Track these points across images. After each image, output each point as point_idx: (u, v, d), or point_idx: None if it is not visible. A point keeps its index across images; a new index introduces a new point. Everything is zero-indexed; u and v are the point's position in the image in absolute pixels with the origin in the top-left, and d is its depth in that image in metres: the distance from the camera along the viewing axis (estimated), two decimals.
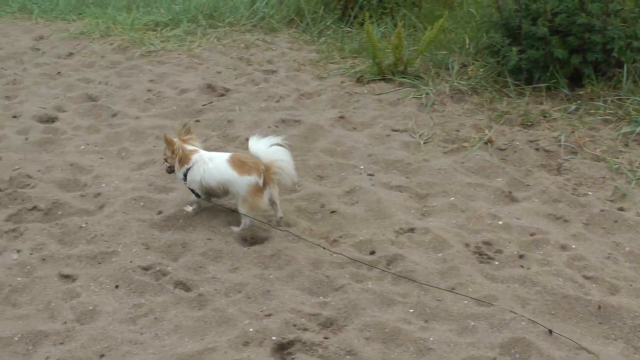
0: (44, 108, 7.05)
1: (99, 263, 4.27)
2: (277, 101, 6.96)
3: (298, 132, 6.05)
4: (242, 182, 4.51)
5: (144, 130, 6.38)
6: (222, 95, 7.30)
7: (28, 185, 5.26)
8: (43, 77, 8.26)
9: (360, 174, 5.34)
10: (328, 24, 9.39)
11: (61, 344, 3.49)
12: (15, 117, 6.86)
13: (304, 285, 3.98)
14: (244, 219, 4.58)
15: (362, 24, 8.59)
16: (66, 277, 4.13)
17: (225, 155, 4.63)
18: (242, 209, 4.56)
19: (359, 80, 7.43)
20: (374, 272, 4.04)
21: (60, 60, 8.97)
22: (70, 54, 9.25)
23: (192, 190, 4.76)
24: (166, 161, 4.84)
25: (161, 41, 9.47)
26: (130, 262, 4.21)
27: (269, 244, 4.41)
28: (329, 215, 4.74)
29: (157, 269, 4.17)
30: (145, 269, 4.19)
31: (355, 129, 6.21)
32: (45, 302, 3.83)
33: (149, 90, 7.54)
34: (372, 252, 4.33)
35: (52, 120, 6.85)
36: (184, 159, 4.71)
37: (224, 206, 4.73)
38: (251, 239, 4.52)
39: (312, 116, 6.40)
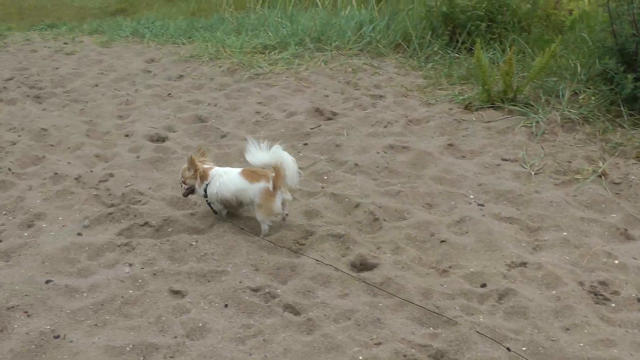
0: (154, 128, 7.25)
1: (209, 281, 4.30)
2: (385, 126, 6.96)
3: (406, 158, 6.06)
4: (254, 188, 4.77)
5: None
6: (330, 119, 7.35)
7: (139, 201, 5.37)
8: (154, 98, 8.49)
9: (470, 203, 5.28)
10: (435, 49, 9.34)
11: (171, 357, 3.52)
12: (127, 136, 7.09)
13: (414, 315, 3.91)
14: (263, 225, 4.82)
15: (470, 50, 8.48)
16: (176, 293, 4.18)
17: (238, 169, 4.93)
18: (259, 215, 4.81)
19: (468, 107, 7.37)
20: (485, 305, 3.98)
21: (170, 82, 9.25)
22: (181, 76, 9.50)
23: (210, 207, 5.05)
24: (184, 183, 5.14)
25: (269, 64, 9.60)
26: (240, 282, 4.23)
27: (378, 271, 4.35)
28: (439, 244, 4.69)
29: (267, 290, 4.18)
30: (255, 290, 4.19)
31: (464, 157, 6.18)
32: (156, 316, 3.88)
33: (257, 113, 7.65)
34: (483, 285, 4.25)
35: (162, 139, 6.98)
36: (204, 176, 5.02)
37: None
38: (360, 266, 4.47)
39: (421, 143, 6.38)
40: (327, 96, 8.05)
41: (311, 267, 4.44)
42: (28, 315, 3.85)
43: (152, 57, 10.64)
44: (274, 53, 10.00)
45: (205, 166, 5.08)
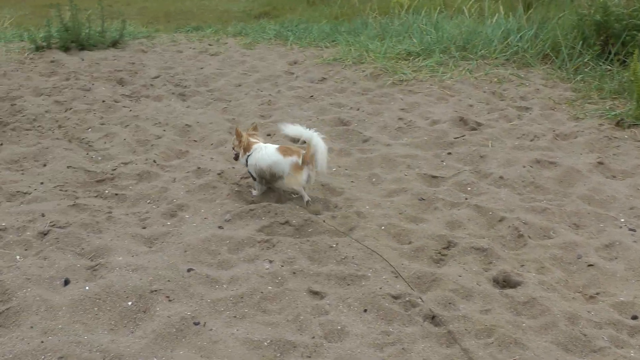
0: None
1: (348, 285, 4.28)
2: (532, 140, 6.80)
3: (553, 174, 5.92)
4: (286, 162, 5.27)
5: (395, 158, 6.42)
6: (474, 129, 7.23)
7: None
8: (296, 99, 8.61)
9: (621, 227, 5.07)
10: (586, 60, 9.03)
11: (308, 357, 3.53)
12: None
13: (559, 340, 3.76)
14: (301, 194, 5.42)
15: (623, 62, 8.08)
16: (315, 294, 4.19)
17: (276, 145, 5.44)
18: (286, 184, 5.31)
19: (619, 124, 7.11)
20: (636, 339, 3.77)
21: (313, 84, 9.35)
22: (323, 79, 9.60)
23: (250, 174, 5.57)
24: (234, 149, 5.72)
25: (413, 71, 9.59)
26: (380, 288, 4.18)
27: (522, 289, 4.22)
28: (586, 268, 4.53)
29: (407, 299, 4.11)
30: (395, 297, 4.13)
31: (615, 177, 5.98)
32: (294, 314, 3.89)
33: (400, 119, 7.62)
34: (635, 317, 4.06)
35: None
36: (247, 147, 5.54)
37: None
38: (503, 282, 4.36)
39: (569, 159, 6.22)
40: (471, 106, 7.95)
41: (453, 278, 4.36)
42: (170, 300, 3.98)
43: (294, 59, 10.83)
44: (418, 60, 9.94)
45: (252, 140, 5.53)
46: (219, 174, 5.96)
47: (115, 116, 7.99)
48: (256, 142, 5.53)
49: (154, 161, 6.42)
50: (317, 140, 5.10)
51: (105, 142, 6.97)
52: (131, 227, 5.01)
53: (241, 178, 5.83)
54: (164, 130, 7.33)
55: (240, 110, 7.99)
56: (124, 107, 8.43)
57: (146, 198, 5.57)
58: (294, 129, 5.16)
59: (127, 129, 7.43)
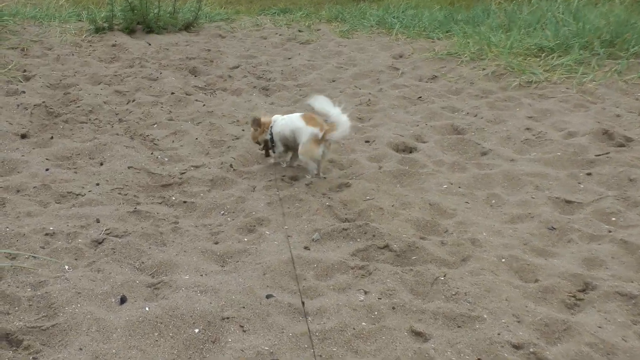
0: (401, 135, 7.39)
1: (459, 327, 4.18)
2: None
3: None
4: (307, 130, 6.05)
5: (520, 177, 6.33)
6: (622, 145, 7.05)
7: (380, 220, 5.48)
8: (401, 100, 8.67)
9: None
10: None
11: None
12: (368, 142, 7.32)
13: None
14: (308, 166, 6.21)
15: None
16: (418, 335, 4.10)
17: (299, 113, 6.25)
18: (300, 153, 6.10)
19: None
20: None
21: (421, 83, 9.37)
22: (434, 77, 9.61)
23: (273, 146, 6.47)
24: (258, 143, 6.68)
25: (545, 70, 9.48)
26: (498, 334, 4.06)
27: None
28: None
29: (531, 350, 3.95)
30: (516, 347, 3.99)
31: None
32: (392, 357, 3.82)
33: (527, 129, 7.55)
34: None
35: (410, 150, 7.18)
36: (267, 124, 6.46)
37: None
38: None
39: None
40: (618, 116, 7.77)
41: (591, 329, 4.17)
42: (244, 330, 4.01)
43: (400, 52, 10.86)
44: (552, 57, 9.82)
45: (265, 119, 6.47)
46: (307, 184, 6.06)
47: (186, 111, 8.19)
48: (270, 116, 6.57)
49: (231, 165, 6.63)
50: (343, 119, 5.90)
51: (173, 141, 7.15)
52: (201, 241, 5.12)
53: (334, 191, 6.01)
54: (243, 130, 7.49)
55: None
56: (197, 100, 8.65)
57: (219, 208, 5.70)
58: (321, 103, 5.89)
59: (199, 127, 7.64)
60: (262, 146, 6.67)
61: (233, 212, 5.61)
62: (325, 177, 6.21)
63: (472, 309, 4.36)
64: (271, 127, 6.45)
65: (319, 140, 5.99)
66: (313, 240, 5.24)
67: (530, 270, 4.88)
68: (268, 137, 6.48)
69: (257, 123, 6.52)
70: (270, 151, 6.63)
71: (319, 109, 5.88)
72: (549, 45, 10.04)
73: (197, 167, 6.54)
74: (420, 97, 8.64)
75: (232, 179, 6.26)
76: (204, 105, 8.51)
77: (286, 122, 6.35)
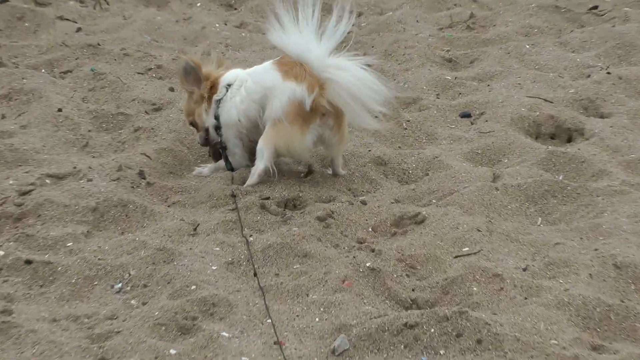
0: (548, 101, 6.77)
1: None
2: None
3: None
4: (283, 90, 5.28)
5: None
6: None
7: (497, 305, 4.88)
8: (548, 14, 8.49)
9: None
10: None
11: None
12: (466, 115, 6.78)
13: None
14: (258, 164, 5.41)
15: None
16: None
17: (271, 61, 5.68)
18: (262, 142, 5.37)
19: None
20: None
21: None
22: None
23: (223, 146, 5.69)
24: (193, 125, 5.74)
25: None
26: None
27: None
28: None
29: None
30: None
31: None
32: None
33: None
34: None
35: (567, 135, 6.66)
36: (214, 81, 5.59)
37: None
38: None
39: None
40: None
41: None
42: None
43: None
44: None
45: (211, 70, 5.65)
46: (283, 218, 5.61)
47: (35, 43, 7.83)
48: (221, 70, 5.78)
49: (141, 174, 5.83)
50: (349, 68, 5.19)
51: (3, 116, 6.55)
52: None
53: (371, 229, 5.49)
54: (172, 90, 7.09)
55: None
56: (61, 18, 8.35)
57: (110, 278, 4.91)
58: (293, 39, 5.16)
59: (67, 81, 7.10)
60: (202, 134, 5.83)
61: (144, 289, 4.80)
62: (342, 173, 5.73)
63: None
64: (218, 99, 5.58)
65: (306, 115, 5.26)
66: (334, 353, 4.39)
67: None
68: (212, 121, 5.65)
69: (191, 76, 5.65)
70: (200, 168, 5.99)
71: (292, 50, 5.25)
72: None
73: (59, 177, 5.74)
74: (596, 6, 8.30)
75: (144, 207, 5.50)
76: (78, 29, 8.06)
77: (253, 80, 5.50)
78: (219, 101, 5.58)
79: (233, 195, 5.58)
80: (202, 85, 5.61)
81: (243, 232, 5.34)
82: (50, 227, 5.34)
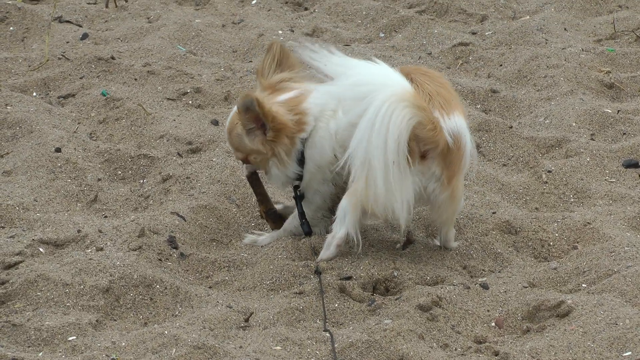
0: None
1: None
2: None
3: None
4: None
5: None
6: None
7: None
8: None
9: None
10: None
11: None
12: (634, 164, 7.04)
13: None
14: (335, 229, 5.65)
15: None
16: None
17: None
18: (347, 197, 5.66)
19: None
20: None
21: None
22: None
23: (299, 192, 6.06)
24: (251, 177, 6.09)
25: None
26: None
27: None
28: None
29: None
30: None
31: None
32: None
33: None
34: None
35: None
36: (300, 125, 5.91)
37: None
38: None
39: None
40: None
41: None
42: None
43: None
44: None
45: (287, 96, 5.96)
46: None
47: (23, 55, 8.15)
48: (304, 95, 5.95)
49: (171, 242, 6.03)
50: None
51: None
52: None
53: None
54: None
55: None
56: (63, 20, 8.68)
57: None
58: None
59: (67, 109, 7.40)
60: (255, 185, 6.10)
61: None
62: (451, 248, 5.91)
63: None
64: (304, 138, 5.82)
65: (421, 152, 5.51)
66: None
67: None
68: (293, 171, 5.85)
69: (251, 113, 5.78)
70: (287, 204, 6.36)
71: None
72: None
73: (57, 244, 5.91)
74: None
75: (176, 287, 5.63)
76: (84, 35, 8.39)
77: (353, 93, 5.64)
78: (305, 139, 5.80)
79: (317, 272, 5.66)
80: (268, 131, 5.74)
81: (326, 325, 5.42)
82: (45, 315, 5.42)
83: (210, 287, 5.83)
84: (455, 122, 5.43)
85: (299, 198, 5.89)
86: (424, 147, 5.35)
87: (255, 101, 5.65)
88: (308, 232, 5.85)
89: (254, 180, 6.03)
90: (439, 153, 5.37)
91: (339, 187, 5.84)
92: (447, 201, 5.52)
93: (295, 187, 5.94)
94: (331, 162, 5.69)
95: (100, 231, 5.98)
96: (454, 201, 5.57)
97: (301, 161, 5.76)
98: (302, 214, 5.88)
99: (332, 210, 5.87)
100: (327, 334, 5.31)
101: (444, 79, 5.86)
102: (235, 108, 5.96)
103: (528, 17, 8.41)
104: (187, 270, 5.89)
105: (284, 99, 5.80)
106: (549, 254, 6.11)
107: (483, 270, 5.88)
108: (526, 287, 5.68)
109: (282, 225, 6.15)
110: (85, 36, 8.23)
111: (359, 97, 5.44)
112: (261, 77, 5.94)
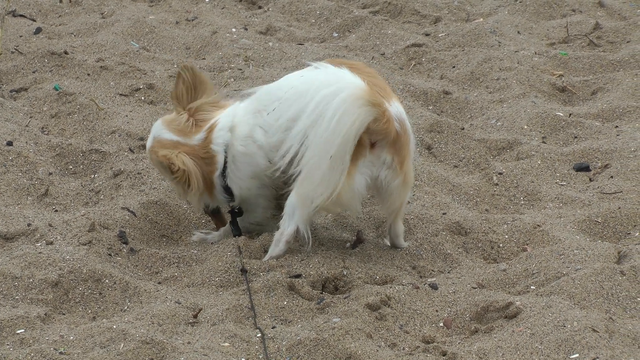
0: None
1: None
2: None
3: None
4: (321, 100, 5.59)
5: None
6: None
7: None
8: None
9: None
10: None
11: None
12: (583, 168, 7.01)
13: None
14: (283, 225, 5.70)
15: None
16: None
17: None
18: (294, 195, 5.66)
19: None
20: None
21: None
22: None
23: (228, 196, 6.11)
24: (183, 182, 5.96)
25: None
26: None
27: None
28: None
29: None
30: None
31: None
32: None
33: None
34: None
35: None
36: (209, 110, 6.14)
37: None
38: None
39: None
40: None
41: None
42: None
43: None
44: None
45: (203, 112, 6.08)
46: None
47: None
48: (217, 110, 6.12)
49: (121, 237, 6.08)
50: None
51: None
52: None
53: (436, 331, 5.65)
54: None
55: None
56: (16, 14, 8.67)
57: None
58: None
59: (21, 103, 7.44)
60: (193, 188, 5.96)
61: None
62: (403, 247, 5.95)
63: None
64: (216, 163, 5.94)
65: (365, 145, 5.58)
66: None
67: None
68: (220, 194, 5.98)
69: (177, 96, 6.05)
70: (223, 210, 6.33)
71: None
72: None
73: (6, 238, 5.97)
74: None
75: (125, 282, 5.65)
76: (38, 30, 8.30)
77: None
78: (222, 173, 5.89)
79: (243, 271, 5.74)
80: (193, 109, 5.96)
81: (257, 323, 5.43)
82: None
83: (159, 283, 5.85)
84: (397, 108, 5.52)
85: (234, 213, 6.00)
86: (375, 139, 5.42)
87: (167, 162, 5.76)
88: (238, 234, 5.94)
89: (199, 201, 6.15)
90: (388, 141, 5.46)
91: (279, 187, 5.92)
92: (400, 187, 5.55)
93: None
94: (266, 169, 5.77)
95: (50, 225, 5.95)
96: (406, 186, 5.62)
97: (228, 189, 5.90)
98: (234, 219, 6.01)
99: (279, 206, 5.92)
100: (262, 332, 5.29)
101: (371, 68, 5.96)
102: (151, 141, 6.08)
103: (482, 19, 8.44)
104: (137, 266, 5.93)
105: (195, 143, 5.87)
106: (498, 256, 6.17)
107: (432, 270, 5.90)
108: (475, 288, 5.70)
109: (224, 221, 6.26)
110: (38, 30, 8.20)
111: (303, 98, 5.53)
112: (177, 103, 5.99)
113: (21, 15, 8.44)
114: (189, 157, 5.86)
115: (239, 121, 5.89)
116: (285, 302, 5.53)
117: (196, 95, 6.03)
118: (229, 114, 5.96)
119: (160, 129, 6.02)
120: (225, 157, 5.88)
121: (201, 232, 6.11)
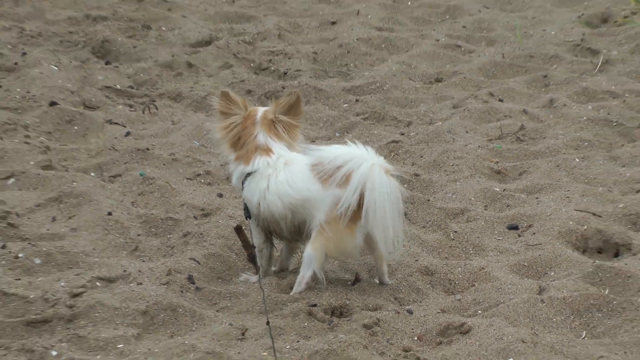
0: (596, 215, 6.85)
1: None
2: None
3: None
4: (325, 198, 5.38)
5: None
6: None
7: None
8: (600, 128, 8.40)
9: None
10: None
11: None
12: (514, 227, 6.83)
13: None
14: (303, 271, 5.57)
15: None
16: None
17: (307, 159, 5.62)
18: (310, 247, 5.48)
19: None
20: None
21: None
22: None
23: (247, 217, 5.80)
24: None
25: None
26: None
27: None
28: None
29: None
30: None
31: None
32: None
33: None
34: None
35: (615, 250, 6.62)
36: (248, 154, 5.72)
37: None
38: None
39: None
40: None
41: None
42: None
43: (602, 11, 10.94)
44: None
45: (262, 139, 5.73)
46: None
47: (85, 147, 8.00)
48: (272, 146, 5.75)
49: (190, 279, 5.97)
50: (374, 178, 5.33)
51: (53, 219, 6.68)
52: None
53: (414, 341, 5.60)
54: (220, 196, 7.24)
55: None
56: (111, 122, 8.48)
57: None
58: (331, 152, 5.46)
59: (116, 185, 7.30)
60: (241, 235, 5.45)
61: None
62: (388, 284, 5.85)
63: None
64: (247, 172, 5.70)
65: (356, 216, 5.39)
66: None
67: None
68: (234, 180, 5.85)
69: (228, 99, 5.83)
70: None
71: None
72: None
73: (109, 280, 5.82)
74: None
75: (193, 311, 5.57)
76: (127, 133, 8.13)
77: (282, 183, 5.59)
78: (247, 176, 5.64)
79: (267, 315, 5.43)
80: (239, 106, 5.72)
81: (268, 321, 5.31)
82: (101, 329, 5.39)
83: (217, 311, 5.82)
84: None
85: (253, 257, 5.58)
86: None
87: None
88: (256, 266, 5.63)
89: (239, 231, 5.54)
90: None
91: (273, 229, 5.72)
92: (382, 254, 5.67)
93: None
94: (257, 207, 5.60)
95: (139, 271, 5.99)
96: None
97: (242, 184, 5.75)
98: (253, 260, 5.61)
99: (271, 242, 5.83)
100: (267, 317, 5.33)
101: None
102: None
103: (440, 122, 8.39)
104: (201, 299, 5.90)
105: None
106: (455, 289, 6.14)
107: (409, 300, 5.91)
108: (439, 313, 5.72)
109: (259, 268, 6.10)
110: (128, 134, 8.13)
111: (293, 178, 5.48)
112: (273, 107, 5.70)
113: (115, 123, 8.40)
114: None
115: (292, 158, 5.62)
116: (305, 324, 5.51)
117: (289, 113, 5.74)
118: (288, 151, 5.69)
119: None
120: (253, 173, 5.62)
121: (246, 274, 5.97)
